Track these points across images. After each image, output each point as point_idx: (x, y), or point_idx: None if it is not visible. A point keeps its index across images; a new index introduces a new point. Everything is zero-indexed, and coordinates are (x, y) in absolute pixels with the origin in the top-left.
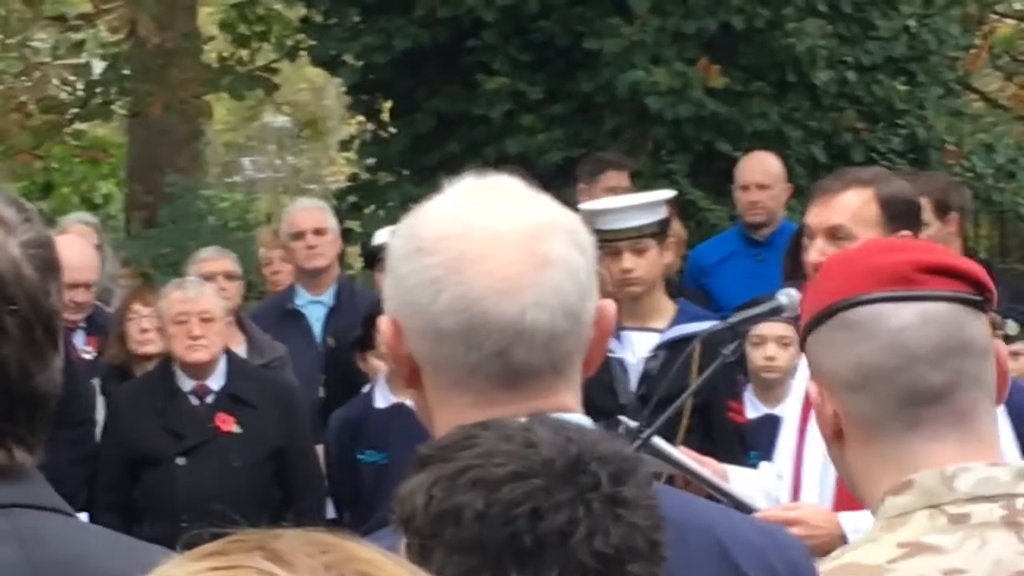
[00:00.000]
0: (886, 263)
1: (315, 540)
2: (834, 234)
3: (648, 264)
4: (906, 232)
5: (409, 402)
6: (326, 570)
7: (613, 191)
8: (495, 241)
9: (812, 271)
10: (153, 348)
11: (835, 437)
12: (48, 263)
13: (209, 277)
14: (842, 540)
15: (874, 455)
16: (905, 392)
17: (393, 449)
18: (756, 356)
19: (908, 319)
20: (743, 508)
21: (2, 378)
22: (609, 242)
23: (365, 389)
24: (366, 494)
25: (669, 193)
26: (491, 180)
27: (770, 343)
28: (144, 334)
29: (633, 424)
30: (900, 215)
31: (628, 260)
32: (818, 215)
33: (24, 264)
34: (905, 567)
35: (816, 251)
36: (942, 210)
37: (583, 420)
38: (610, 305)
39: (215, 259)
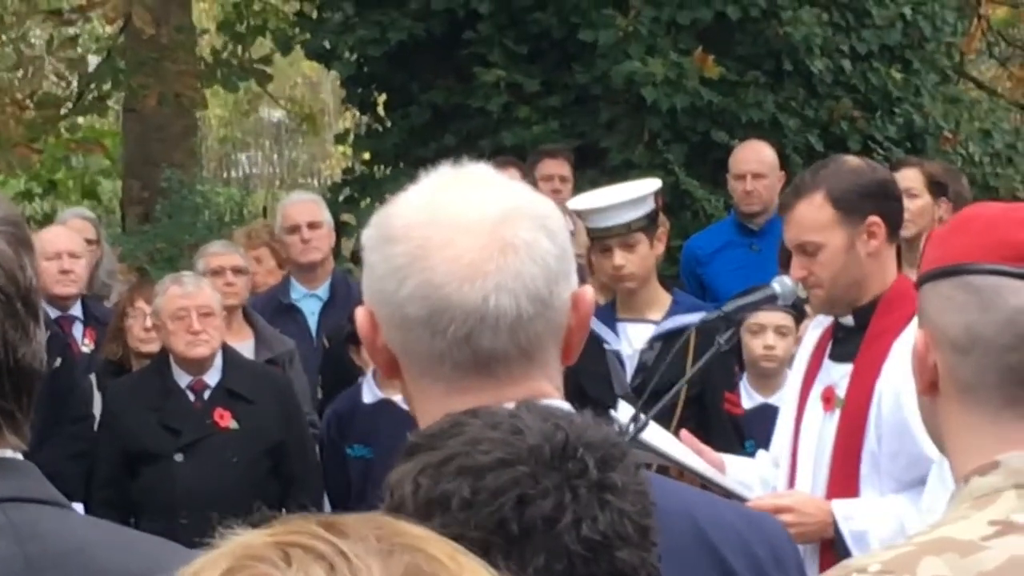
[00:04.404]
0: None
1: (372, 517)
2: (803, 250)
3: (639, 258)
4: (875, 217)
5: (396, 397)
6: (377, 541)
7: (550, 179)
8: (460, 228)
9: (800, 283)
10: (156, 347)
11: (929, 388)
12: (20, 239)
13: (218, 271)
14: (833, 528)
15: (964, 421)
16: (1009, 371)
17: (379, 444)
18: (755, 345)
19: None
20: (735, 499)
21: None
22: (599, 239)
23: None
24: (354, 488)
25: (656, 184)
26: (464, 170)
27: (769, 332)
28: (148, 332)
29: (626, 415)
30: (859, 204)
31: (619, 257)
32: (786, 234)
33: None
34: (999, 544)
35: (797, 267)
36: (936, 189)
37: (562, 406)
38: (588, 291)
39: (224, 253)
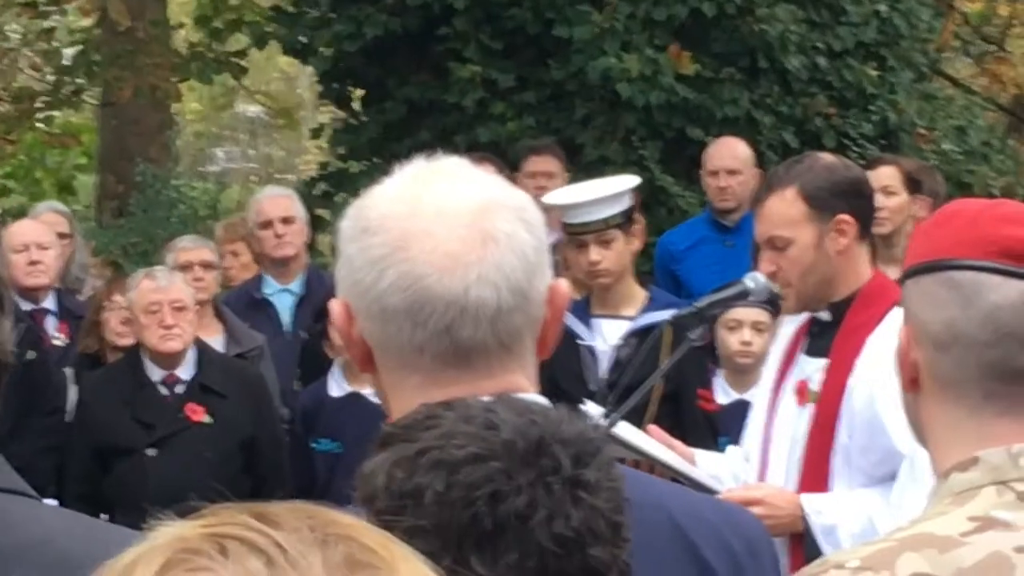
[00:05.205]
0: (1007, 235)
1: (300, 507)
2: (773, 244)
3: (615, 255)
4: (846, 215)
5: (364, 391)
6: (311, 531)
7: (534, 176)
8: (439, 219)
9: (770, 278)
10: (131, 341)
11: (911, 385)
12: None
13: (187, 266)
14: (803, 521)
15: (945, 416)
16: (989, 366)
17: (347, 438)
18: (732, 341)
19: (1011, 297)
20: (706, 492)
21: None
22: (575, 235)
23: None
24: (320, 482)
25: (633, 181)
26: (439, 163)
27: (746, 328)
28: (125, 326)
29: (596, 413)
30: (831, 202)
31: (595, 252)
32: (756, 228)
33: None
34: (978, 540)
35: (765, 262)
36: (912, 186)
37: (537, 399)
38: (563, 284)
39: (193, 248)
